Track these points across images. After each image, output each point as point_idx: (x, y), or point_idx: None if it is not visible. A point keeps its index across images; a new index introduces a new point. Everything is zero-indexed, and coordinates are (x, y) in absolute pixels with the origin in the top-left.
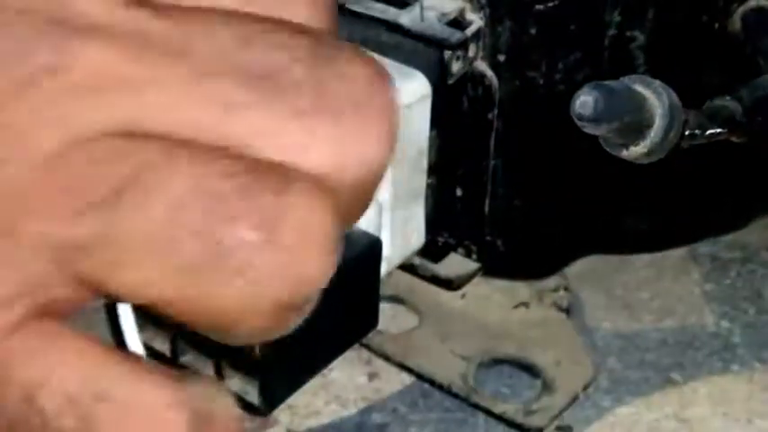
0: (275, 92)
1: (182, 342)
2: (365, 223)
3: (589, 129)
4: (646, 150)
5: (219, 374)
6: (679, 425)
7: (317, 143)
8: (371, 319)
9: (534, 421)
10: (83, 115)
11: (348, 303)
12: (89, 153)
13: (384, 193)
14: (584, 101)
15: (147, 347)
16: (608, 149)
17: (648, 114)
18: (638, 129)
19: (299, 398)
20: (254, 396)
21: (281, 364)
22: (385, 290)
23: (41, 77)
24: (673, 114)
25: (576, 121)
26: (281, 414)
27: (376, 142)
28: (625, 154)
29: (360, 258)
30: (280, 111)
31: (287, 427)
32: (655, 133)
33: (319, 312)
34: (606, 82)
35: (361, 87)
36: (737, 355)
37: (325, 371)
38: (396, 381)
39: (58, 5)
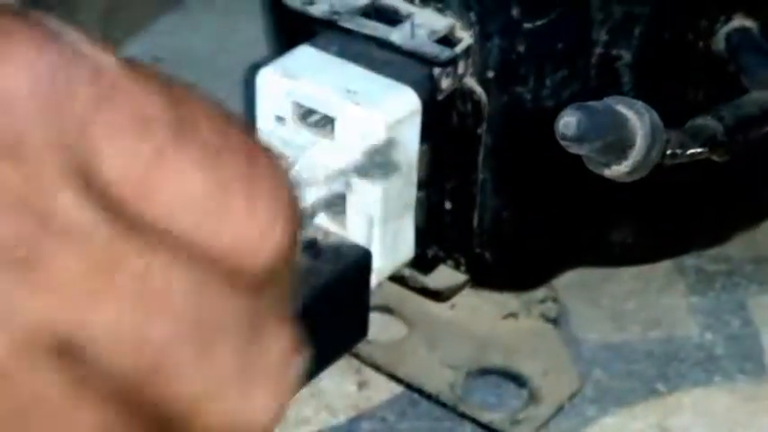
0: (206, 350)
1: None
2: (356, 236)
3: (572, 148)
4: (628, 169)
5: None
6: None
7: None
8: (361, 330)
9: (520, 430)
10: (29, 315)
11: (338, 314)
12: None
13: (375, 206)
14: (568, 121)
15: None
16: (590, 168)
17: (630, 134)
18: (620, 148)
19: (290, 406)
20: None
21: None
22: (375, 300)
23: (7, 269)
24: (654, 135)
25: (559, 140)
26: None
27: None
28: (607, 173)
29: (350, 270)
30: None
31: None
32: (636, 153)
33: (310, 323)
34: (589, 103)
35: (276, 360)
36: (721, 366)
37: (315, 380)
38: (385, 390)
39: (38, 194)
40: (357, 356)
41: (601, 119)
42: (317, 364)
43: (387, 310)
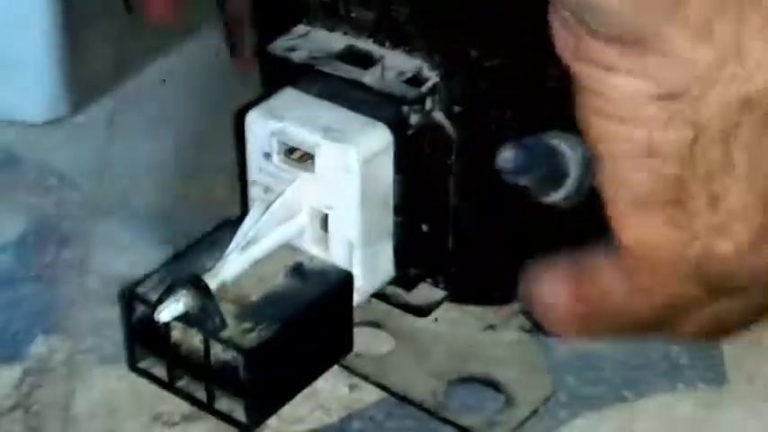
0: None
1: (178, 369)
2: (338, 259)
3: (512, 180)
4: (563, 196)
5: (210, 396)
6: None
7: None
8: (346, 344)
9: (497, 431)
10: None
11: (325, 330)
12: None
13: (354, 232)
14: (505, 156)
15: (147, 374)
16: (533, 195)
17: (564, 166)
18: (555, 179)
19: (287, 406)
20: (240, 414)
21: (264, 386)
22: (364, 316)
23: None
24: (586, 165)
25: (501, 173)
26: (270, 420)
27: None
28: (547, 200)
29: (333, 291)
30: None
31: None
32: (570, 183)
33: (299, 339)
34: (525, 138)
35: None
36: (684, 375)
37: None
38: (374, 392)
39: None
40: (348, 368)
41: (536, 153)
42: (308, 375)
43: (375, 325)
